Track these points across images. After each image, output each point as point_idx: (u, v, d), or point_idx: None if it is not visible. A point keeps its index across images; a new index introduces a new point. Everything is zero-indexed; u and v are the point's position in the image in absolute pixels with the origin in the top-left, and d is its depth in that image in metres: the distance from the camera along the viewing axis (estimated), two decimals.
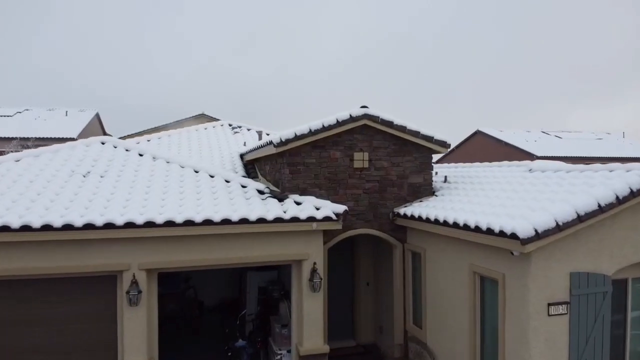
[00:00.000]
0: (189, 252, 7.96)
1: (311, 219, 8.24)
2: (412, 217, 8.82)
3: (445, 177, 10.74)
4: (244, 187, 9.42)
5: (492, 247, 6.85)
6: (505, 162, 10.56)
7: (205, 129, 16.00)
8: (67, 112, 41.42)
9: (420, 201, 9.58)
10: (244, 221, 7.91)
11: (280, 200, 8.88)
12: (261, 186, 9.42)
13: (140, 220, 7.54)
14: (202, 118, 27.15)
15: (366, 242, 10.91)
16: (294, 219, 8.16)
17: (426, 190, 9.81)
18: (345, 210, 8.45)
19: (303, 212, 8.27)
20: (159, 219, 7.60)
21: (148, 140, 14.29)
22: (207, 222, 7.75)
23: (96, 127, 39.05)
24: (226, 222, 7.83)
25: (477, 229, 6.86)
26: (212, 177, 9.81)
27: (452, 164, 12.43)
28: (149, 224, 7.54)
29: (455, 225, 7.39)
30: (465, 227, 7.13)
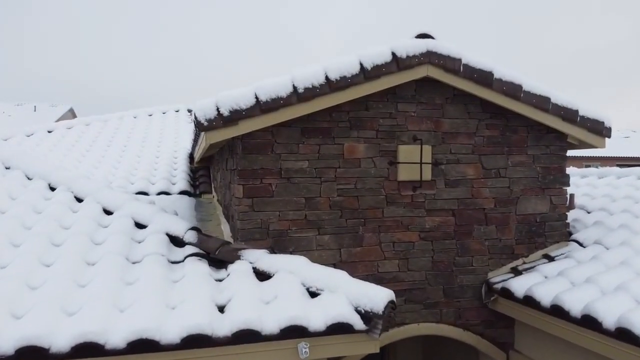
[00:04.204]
0: None
1: (295, 332, 2.89)
2: (557, 310, 3.46)
3: (571, 196, 5.38)
4: (140, 227, 4.01)
5: None
6: None
7: (150, 115, 10.65)
8: (35, 107, 38.15)
9: (548, 258, 4.25)
10: (91, 350, 2.58)
11: (221, 265, 3.55)
12: (181, 226, 3.95)
13: None
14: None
15: (412, 341, 5.55)
16: (246, 334, 2.80)
17: (556, 229, 4.44)
18: (391, 302, 3.06)
19: (273, 310, 2.94)
20: None
21: (49, 132, 9.04)
22: None
23: None
24: (35, 352, 2.51)
25: None
26: (79, 200, 4.43)
27: None
28: None
29: None
30: None
